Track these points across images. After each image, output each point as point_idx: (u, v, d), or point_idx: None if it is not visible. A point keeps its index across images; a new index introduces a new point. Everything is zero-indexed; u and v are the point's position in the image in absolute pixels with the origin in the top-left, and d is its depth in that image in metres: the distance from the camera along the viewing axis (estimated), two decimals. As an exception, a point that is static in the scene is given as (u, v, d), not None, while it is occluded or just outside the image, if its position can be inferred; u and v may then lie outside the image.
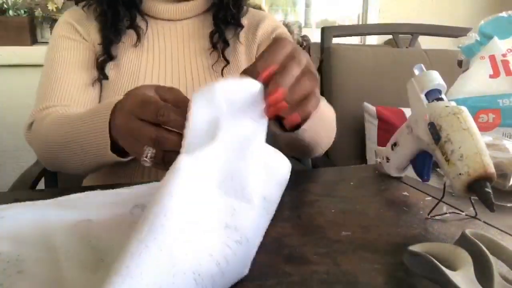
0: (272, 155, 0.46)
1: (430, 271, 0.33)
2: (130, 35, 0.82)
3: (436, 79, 0.54)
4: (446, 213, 0.50)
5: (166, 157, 0.46)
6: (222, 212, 0.37)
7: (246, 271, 0.36)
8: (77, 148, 0.62)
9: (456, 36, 1.29)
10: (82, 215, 0.46)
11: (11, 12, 1.84)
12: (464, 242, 0.37)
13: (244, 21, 0.86)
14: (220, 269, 0.33)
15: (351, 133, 1.32)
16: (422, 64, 0.57)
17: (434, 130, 0.49)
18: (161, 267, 0.29)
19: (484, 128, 0.82)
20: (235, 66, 0.84)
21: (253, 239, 0.38)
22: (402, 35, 1.46)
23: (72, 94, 0.77)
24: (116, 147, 0.57)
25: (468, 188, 0.44)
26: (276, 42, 0.44)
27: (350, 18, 2.76)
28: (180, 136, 0.42)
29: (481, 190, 0.43)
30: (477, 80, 0.87)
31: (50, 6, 1.85)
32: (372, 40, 2.53)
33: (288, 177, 0.52)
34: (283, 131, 0.57)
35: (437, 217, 0.50)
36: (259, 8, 2.17)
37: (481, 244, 0.35)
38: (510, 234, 0.46)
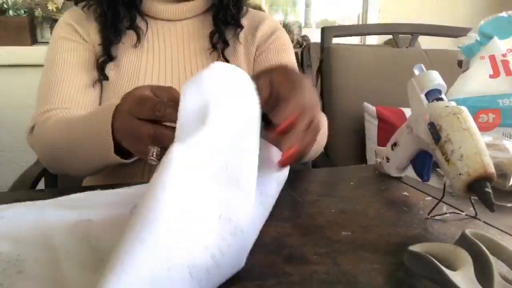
0: (269, 151, 0.46)
1: (430, 271, 0.33)
2: (130, 35, 0.82)
3: (436, 79, 0.54)
4: (446, 213, 0.50)
5: None
6: (216, 202, 0.36)
7: (242, 264, 0.36)
8: (81, 152, 0.63)
9: (456, 36, 1.29)
10: (82, 215, 0.46)
11: (11, 12, 1.84)
12: (464, 242, 0.37)
13: (244, 21, 0.86)
14: (215, 261, 0.33)
15: (351, 133, 1.32)
16: (422, 64, 0.57)
17: (434, 130, 0.49)
18: (156, 262, 0.29)
19: (484, 128, 0.82)
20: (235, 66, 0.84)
21: (248, 231, 0.38)
22: (402, 35, 1.46)
23: (72, 96, 0.77)
24: (119, 149, 0.57)
25: (468, 188, 0.44)
26: (293, 90, 0.44)
27: (350, 18, 2.75)
28: None
29: (481, 190, 0.43)
30: (477, 80, 0.87)
31: (50, 6, 1.85)
32: (372, 40, 2.53)
33: (287, 174, 0.52)
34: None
35: (437, 217, 0.50)
36: (259, 8, 2.17)
37: (481, 244, 0.35)
38: (510, 234, 0.46)
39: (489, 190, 0.43)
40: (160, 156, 0.46)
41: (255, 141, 0.41)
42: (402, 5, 2.59)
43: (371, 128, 1.27)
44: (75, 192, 0.53)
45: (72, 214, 0.46)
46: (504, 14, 0.93)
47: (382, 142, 1.21)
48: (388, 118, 1.23)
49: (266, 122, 0.46)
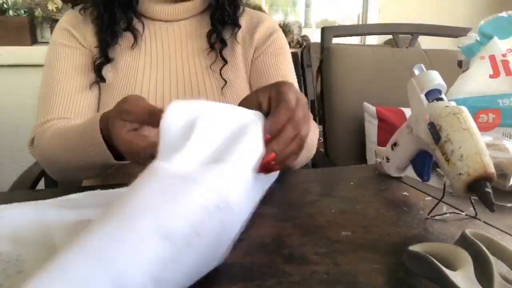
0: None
1: (430, 271, 0.33)
2: (127, 37, 0.82)
3: (436, 79, 0.54)
4: (446, 213, 0.50)
5: None
6: (205, 173, 0.36)
7: (229, 244, 0.36)
8: (80, 161, 0.65)
9: (456, 36, 1.29)
10: (82, 215, 0.46)
11: (11, 12, 1.84)
12: (464, 242, 0.37)
13: (243, 21, 0.86)
14: (195, 230, 0.32)
15: (351, 133, 1.32)
16: (422, 64, 0.57)
17: (434, 130, 0.49)
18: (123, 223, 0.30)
19: (484, 128, 0.82)
20: (233, 66, 0.84)
21: (237, 208, 0.37)
22: (402, 35, 1.46)
23: (70, 106, 0.78)
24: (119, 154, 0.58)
25: (468, 188, 0.44)
26: (284, 104, 0.46)
27: (350, 18, 2.76)
28: None
29: (481, 190, 0.43)
30: (477, 80, 0.87)
31: (50, 6, 1.85)
32: (372, 40, 2.53)
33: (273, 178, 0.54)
34: None
35: (437, 217, 0.50)
36: (259, 8, 2.17)
37: (481, 244, 0.35)
38: (510, 234, 0.46)
39: (489, 190, 0.43)
40: None
41: (249, 146, 0.41)
42: (402, 5, 2.59)
43: (371, 128, 1.27)
44: (75, 192, 0.53)
45: (72, 214, 0.46)
46: (504, 14, 0.93)
47: (382, 142, 1.21)
48: (388, 118, 1.23)
49: None
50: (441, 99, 0.53)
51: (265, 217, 0.50)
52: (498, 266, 0.36)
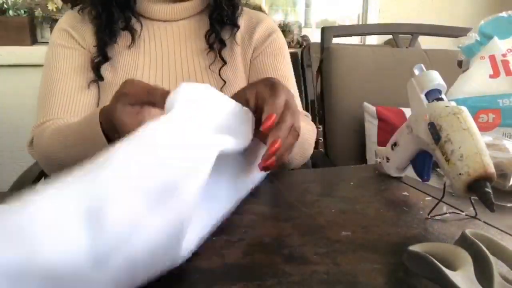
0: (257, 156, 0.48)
1: (430, 271, 0.33)
2: (126, 36, 0.82)
3: (436, 79, 0.54)
4: (446, 213, 0.50)
5: None
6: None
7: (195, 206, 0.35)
8: (81, 157, 0.63)
9: (456, 36, 1.29)
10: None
11: (11, 12, 1.84)
12: (464, 242, 0.37)
13: (242, 22, 0.86)
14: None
15: (351, 133, 1.32)
16: (422, 64, 0.57)
17: (434, 130, 0.49)
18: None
19: (484, 128, 0.82)
20: (232, 66, 0.84)
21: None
22: (402, 35, 1.45)
23: (68, 107, 0.78)
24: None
25: (468, 188, 0.44)
26: (275, 94, 0.48)
27: (350, 18, 2.76)
28: None
29: (481, 190, 0.43)
30: (477, 80, 0.87)
31: (50, 6, 1.85)
32: (372, 40, 2.53)
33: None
34: None
35: (437, 217, 0.50)
36: (259, 8, 2.17)
37: (481, 244, 0.35)
38: (510, 234, 0.46)
39: (489, 190, 0.43)
40: None
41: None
42: (402, 5, 2.59)
43: (371, 128, 1.27)
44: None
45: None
46: (504, 14, 0.93)
47: (382, 142, 1.21)
48: (388, 118, 1.23)
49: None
50: (441, 99, 0.53)
51: (265, 217, 0.50)
52: (498, 266, 0.36)
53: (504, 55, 0.88)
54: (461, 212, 0.51)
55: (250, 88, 0.50)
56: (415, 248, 0.36)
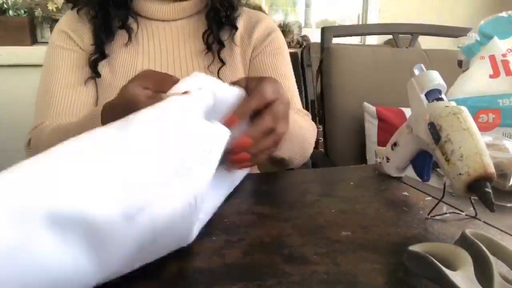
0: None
1: (430, 271, 0.33)
2: (123, 35, 0.82)
3: (436, 79, 0.54)
4: (446, 213, 0.50)
5: None
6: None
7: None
8: None
9: (456, 36, 1.29)
10: None
11: (11, 12, 1.84)
12: (464, 242, 0.37)
13: (241, 22, 0.86)
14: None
15: (351, 133, 1.32)
16: (422, 64, 0.57)
17: (434, 130, 0.49)
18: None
19: (484, 128, 0.82)
20: (231, 67, 0.84)
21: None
22: (402, 35, 1.46)
23: (67, 109, 0.78)
24: None
25: (468, 188, 0.44)
26: (259, 90, 0.49)
27: (350, 18, 2.76)
28: None
29: (481, 190, 0.43)
30: (477, 80, 0.87)
31: (50, 6, 1.85)
32: (372, 40, 2.53)
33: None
34: None
35: (437, 217, 0.50)
36: (259, 8, 2.17)
37: (481, 244, 0.35)
38: (510, 234, 0.46)
39: (489, 190, 0.43)
40: None
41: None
42: (402, 5, 2.59)
43: (371, 128, 1.27)
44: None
45: None
46: (504, 14, 0.93)
47: (382, 142, 1.21)
48: (388, 118, 1.23)
49: None
50: (441, 99, 0.53)
51: (265, 217, 0.50)
52: (498, 266, 0.36)
53: (504, 55, 0.88)
54: (461, 212, 0.51)
55: (248, 81, 0.51)
56: (415, 248, 0.36)
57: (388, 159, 0.63)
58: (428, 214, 0.50)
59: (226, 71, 0.83)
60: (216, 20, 0.82)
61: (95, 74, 0.80)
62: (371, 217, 0.50)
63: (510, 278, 0.36)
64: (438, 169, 0.64)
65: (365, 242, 0.43)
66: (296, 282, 0.36)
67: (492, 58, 0.88)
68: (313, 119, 1.52)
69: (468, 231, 0.38)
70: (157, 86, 0.48)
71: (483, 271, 0.33)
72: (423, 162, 0.57)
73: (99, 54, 0.79)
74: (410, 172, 0.61)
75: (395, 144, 0.61)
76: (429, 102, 0.53)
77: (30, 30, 1.88)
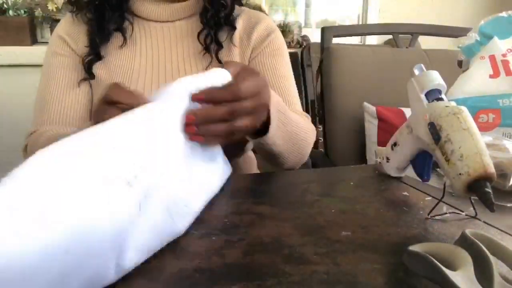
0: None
1: (430, 271, 0.33)
2: (120, 37, 0.81)
3: (436, 79, 0.54)
4: (446, 213, 0.50)
5: None
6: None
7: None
8: None
9: (456, 36, 1.29)
10: None
11: (11, 12, 1.84)
12: (464, 242, 0.37)
13: (240, 22, 0.85)
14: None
15: (351, 133, 1.32)
16: (422, 64, 0.57)
17: (434, 130, 0.49)
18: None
19: (484, 128, 0.82)
20: None
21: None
22: (402, 35, 1.45)
23: (62, 112, 0.79)
24: None
25: (468, 188, 0.44)
26: (232, 86, 0.50)
27: (350, 18, 2.76)
28: None
29: (481, 190, 0.43)
30: (477, 80, 0.87)
31: (50, 6, 1.85)
32: (372, 40, 2.53)
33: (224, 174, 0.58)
34: (250, 138, 0.64)
35: (437, 217, 0.50)
36: (259, 8, 2.17)
37: (481, 244, 0.35)
38: (510, 234, 0.46)
39: (489, 190, 0.43)
40: None
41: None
42: (402, 5, 2.59)
43: (371, 128, 1.27)
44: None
45: None
46: (504, 14, 0.93)
47: (382, 142, 1.21)
48: (388, 118, 1.23)
49: None
50: (441, 99, 0.53)
51: (265, 217, 0.50)
52: (498, 266, 0.36)
53: (504, 55, 0.88)
54: (461, 212, 0.51)
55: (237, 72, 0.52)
56: (415, 248, 0.36)
57: (388, 159, 0.63)
58: (428, 214, 0.50)
59: None
60: (211, 21, 0.82)
61: (89, 75, 0.80)
62: (371, 217, 0.50)
63: (510, 278, 0.36)
64: (438, 169, 0.64)
65: (365, 242, 0.43)
66: (296, 282, 0.36)
67: (492, 58, 0.88)
68: (313, 119, 1.52)
69: (468, 231, 0.38)
70: (123, 100, 0.49)
71: (483, 271, 0.33)
72: (423, 162, 0.57)
73: (94, 55, 0.79)
74: (410, 172, 0.61)
75: (395, 144, 0.61)
76: (429, 102, 0.53)
77: (30, 30, 1.88)
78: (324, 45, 1.37)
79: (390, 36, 1.51)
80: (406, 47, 1.46)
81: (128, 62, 0.81)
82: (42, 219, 0.28)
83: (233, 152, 0.87)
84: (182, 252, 0.41)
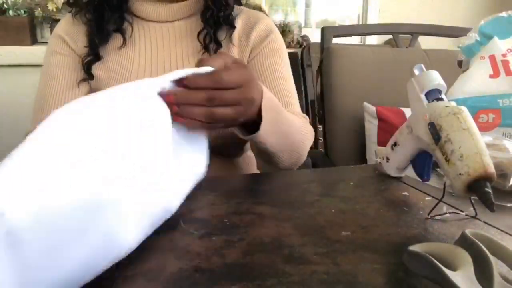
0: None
1: (430, 271, 0.33)
2: (119, 38, 0.81)
3: (436, 79, 0.54)
4: (446, 213, 0.50)
5: None
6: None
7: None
8: None
9: (456, 36, 1.29)
10: None
11: (11, 12, 1.84)
12: (464, 242, 0.37)
13: (239, 22, 0.85)
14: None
15: (351, 133, 1.32)
16: (422, 64, 0.57)
17: (434, 130, 0.49)
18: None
19: (484, 128, 0.82)
20: None
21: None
22: (402, 35, 1.46)
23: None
24: None
25: (468, 188, 0.44)
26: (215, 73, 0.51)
27: (350, 18, 2.76)
28: None
29: (481, 190, 0.43)
30: (477, 80, 0.87)
31: (50, 6, 1.85)
32: (372, 40, 2.53)
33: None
34: (242, 135, 0.63)
35: (437, 217, 0.50)
36: (259, 8, 2.17)
37: (481, 244, 0.35)
38: (510, 234, 0.46)
39: (489, 190, 0.43)
40: None
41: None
42: (402, 5, 2.59)
43: (371, 128, 1.27)
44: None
45: None
46: (504, 14, 0.93)
47: (382, 142, 1.21)
48: (388, 118, 1.23)
49: None
50: (441, 99, 0.53)
51: (265, 217, 0.50)
52: (498, 266, 0.36)
53: (504, 55, 0.88)
54: (461, 212, 0.51)
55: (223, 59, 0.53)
56: (415, 248, 0.36)
57: (388, 159, 0.63)
58: (428, 214, 0.50)
59: None
60: (211, 20, 0.82)
61: (88, 76, 0.80)
62: (371, 217, 0.50)
63: (510, 278, 0.36)
64: (438, 169, 0.64)
65: (365, 242, 0.43)
66: (296, 282, 0.36)
67: (492, 58, 0.88)
68: (313, 119, 1.52)
69: (468, 231, 0.38)
70: None
71: (483, 271, 0.33)
72: (423, 162, 0.57)
73: (93, 56, 0.79)
74: (410, 172, 0.61)
75: (395, 144, 0.61)
76: (429, 102, 0.53)
77: (30, 30, 1.88)
78: (324, 45, 1.37)
79: (390, 36, 1.51)
80: (406, 47, 1.46)
81: (127, 62, 0.81)
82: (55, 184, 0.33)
83: (233, 152, 0.87)
84: (182, 252, 0.41)
